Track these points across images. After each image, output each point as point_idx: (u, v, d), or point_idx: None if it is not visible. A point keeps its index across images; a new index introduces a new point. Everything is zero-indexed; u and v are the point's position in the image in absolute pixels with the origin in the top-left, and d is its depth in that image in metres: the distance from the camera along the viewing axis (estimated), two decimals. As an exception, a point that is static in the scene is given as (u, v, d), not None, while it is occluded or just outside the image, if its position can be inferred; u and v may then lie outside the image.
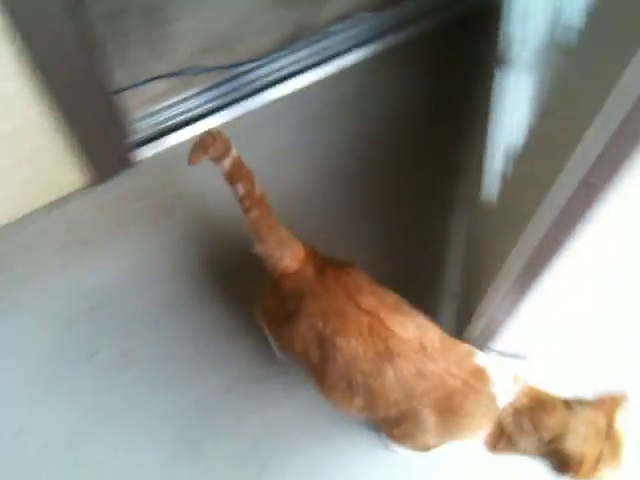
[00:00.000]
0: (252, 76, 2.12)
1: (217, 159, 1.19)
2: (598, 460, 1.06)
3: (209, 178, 1.29)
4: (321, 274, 1.26)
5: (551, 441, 1.10)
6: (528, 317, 1.15)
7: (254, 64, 2.12)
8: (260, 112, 2.07)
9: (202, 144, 1.16)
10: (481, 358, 1.18)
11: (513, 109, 1.45)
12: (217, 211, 1.85)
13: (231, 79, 2.10)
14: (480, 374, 1.15)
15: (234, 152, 1.19)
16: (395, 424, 1.28)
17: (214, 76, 2.09)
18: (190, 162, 1.17)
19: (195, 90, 2.07)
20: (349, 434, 1.55)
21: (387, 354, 1.16)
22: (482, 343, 1.35)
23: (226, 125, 2.03)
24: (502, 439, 1.16)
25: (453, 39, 2.14)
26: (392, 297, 1.25)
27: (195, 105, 2.06)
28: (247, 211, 1.24)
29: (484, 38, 1.75)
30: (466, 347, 1.20)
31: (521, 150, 1.22)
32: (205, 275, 1.77)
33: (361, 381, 1.20)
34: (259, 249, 1.28)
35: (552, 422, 1.10)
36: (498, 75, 1.57)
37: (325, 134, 2.03)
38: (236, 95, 2.08)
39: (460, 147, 1.88)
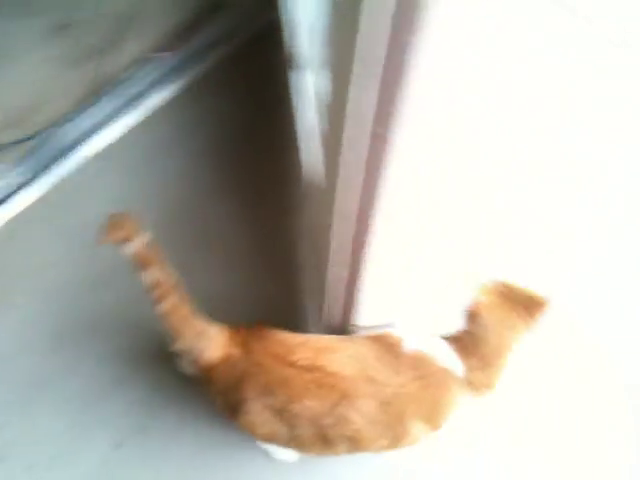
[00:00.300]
0: (61, 139, 2.04)
1: (123, 241, 1.10)
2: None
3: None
4: (247, 350, 1.19)
5: None
6: (371, 284, 1.17)
7: (59, 127, 2.05)
8: (79, 173, 2.00)
9: (110, 226, 1.09)
10: (408, 341, 1.19)
11: (311, 101, 1.53)
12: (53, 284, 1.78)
13: (39, 147, 2.01)
14: (423, 359, 1.17)
15: (143, 235, 1.11)
16: (387, 447, 1.23)
17: (20, 149, 1.99)
18: (97, 242, 1.09)
19: (2, 167, 1.97)
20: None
21: (344, 400, 1.14)
22: (346, 323, 1.38)
23: (44, 197, 1.94)
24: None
25: (254, 57, 2.18)
26: (313, 339, 1.23)
27: (5, 183, 1.95)
28: (157, 302, 1.13)
29: (280, 49, 1.81)
30: (393, 336, 1.21)
31: (326, 132, 1.26)
32: (53, 351, 1.69)
33: (335, 433, 1.16)
34: (177, 346, 1.17)
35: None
36: (294, 77, 1.65)
37: (151, 178, 1.99)
38: (48, 162, 2.00)
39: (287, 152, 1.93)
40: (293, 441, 1.22)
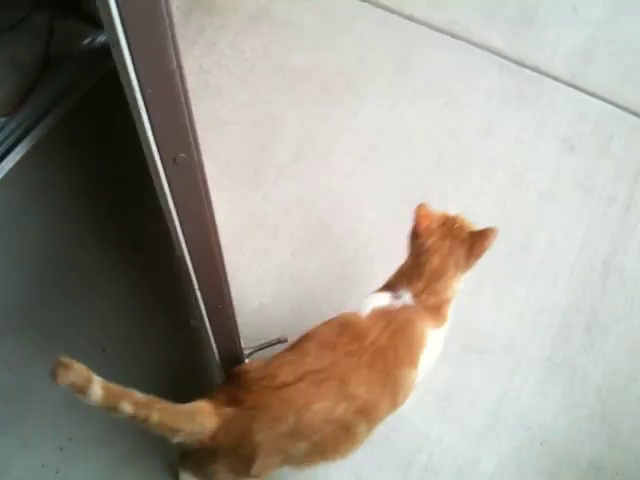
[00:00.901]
0: None
1: (81, 391, 1.01)
2: None
3: None
4: (236, 402, 1.19)
5: None
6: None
7: None
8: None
9: (57, 375, 0.99)
10: (362, 310, 1.28)
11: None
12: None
13: None
14: (379, 313, 1.27)
15: (96, 378, 1.03)
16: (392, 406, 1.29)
17: None
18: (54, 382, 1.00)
19: None
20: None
21: (342, 384, 1.19)
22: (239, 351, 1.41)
23: None
24: None
25: (99, 105, 2.05)
26: (279, 357, 1.27)
27: None
28: (145, 421, 1.08)
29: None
30: (346, 315, 1.29)
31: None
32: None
33: (351, 416, 1.20)
34: (178, 440, 1.14)
35: None
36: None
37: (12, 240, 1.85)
38: None
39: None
40: (316, 451, 1.24)
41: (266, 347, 1.48)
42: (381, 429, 1.34)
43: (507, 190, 1.94)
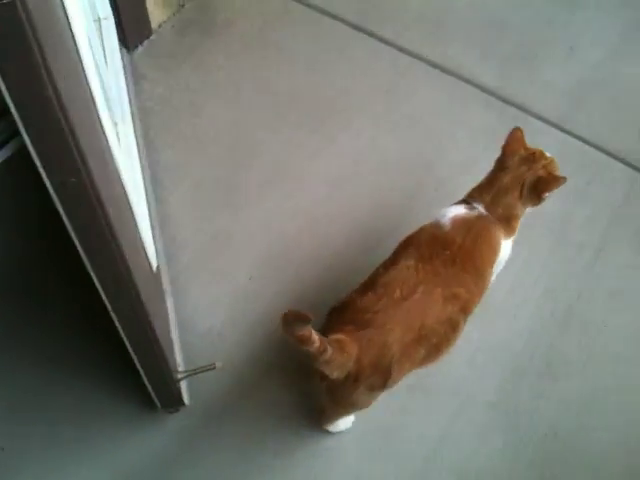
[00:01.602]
0: None
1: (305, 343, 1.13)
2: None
3: None
4: (366, 323, 1.29)
5: None
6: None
7: None
8: None
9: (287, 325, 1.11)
10: (442, 218, 1.46)
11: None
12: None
13: None
14: (459, 220, 1.44)
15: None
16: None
17: None
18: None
19: None
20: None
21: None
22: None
23: None
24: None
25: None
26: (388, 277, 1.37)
27: None
28: (324, 355, 1.17)
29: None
30: (429, 226, 1.48)
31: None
32: None
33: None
34: (336, 374, 1.24)
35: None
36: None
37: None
38: None
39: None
40: (432, 352, 1.37)
41: (199, 372, 1.49)
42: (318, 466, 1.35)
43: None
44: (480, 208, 1.46)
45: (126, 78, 2.07)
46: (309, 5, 2.36)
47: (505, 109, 2.15)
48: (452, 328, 1.38)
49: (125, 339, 1.25)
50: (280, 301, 1.77)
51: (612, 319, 1.77)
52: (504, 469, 1.56)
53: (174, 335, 1.65)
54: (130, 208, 1.31)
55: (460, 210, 1.47)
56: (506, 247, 1.51)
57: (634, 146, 2.08)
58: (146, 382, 1.42)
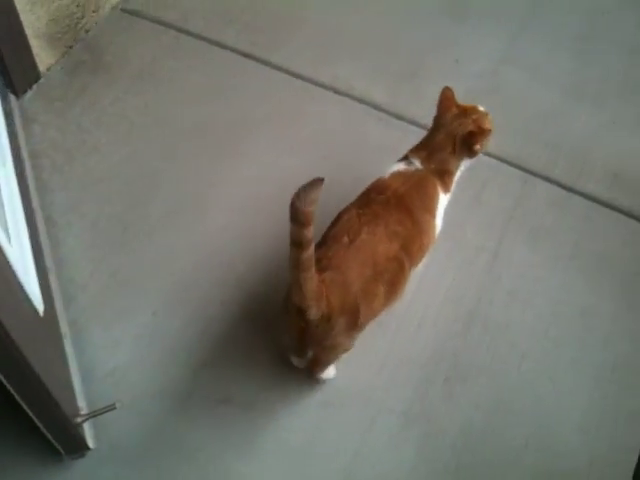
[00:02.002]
0: None
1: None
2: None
3: None
4: (325, 268, 1.37)
5: None
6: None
7: None
8: None
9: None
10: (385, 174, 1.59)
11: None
12: None
13: None
14: (399, 172, 1.58)
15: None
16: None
17: None
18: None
19: None
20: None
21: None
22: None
23: None
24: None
25: None
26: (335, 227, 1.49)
27: None
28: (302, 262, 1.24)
29: None
30: (374, 183, 1.59)
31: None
32: None
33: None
34: (311, 315, 1.32)
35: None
36: None
37: None
38: None
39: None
40: (389, 291, 1.48)
41: (99, 414, 1.45)
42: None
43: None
44: (417, 163, 1.58)
45: (13, 123, 2.03)
46: (199, 37, 2.38)
47: (400, 124, 2.20)
48: (400, 266, 1.49)
49: (10, 388, 1.21)
50: (186, 334, 1.74)
51: (513, 318, 1.81)
52: (420, 477, 1.57)
53: (75, 378, 1.59)
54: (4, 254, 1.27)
55: (399, 166, 1.60)
56: (443, 202, 1.61)
57: (522, 150, 2.17)
58: (43, 429, 1.37)
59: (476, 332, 1.78)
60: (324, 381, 1.65)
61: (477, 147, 1.55)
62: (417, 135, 1.89)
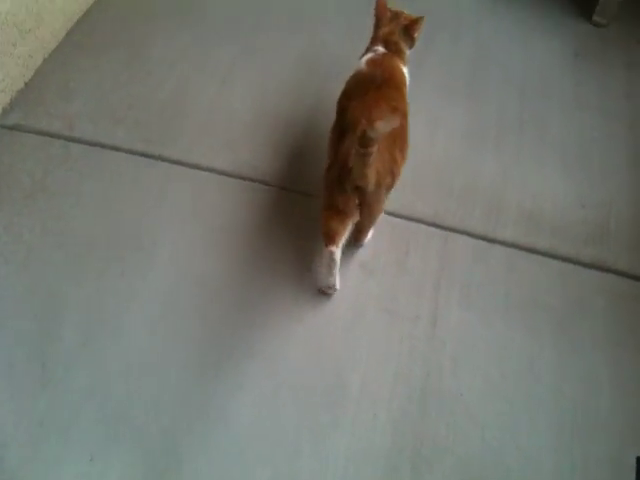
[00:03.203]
0: None
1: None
2: None
3: None
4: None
5: None
6: None
7: None
8: None
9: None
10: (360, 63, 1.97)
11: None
12: None
13: None
14: (371, 59, 1.97)
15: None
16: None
17: None
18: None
19: None
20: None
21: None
22: None
23: None
24: None
25: None
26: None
27: None
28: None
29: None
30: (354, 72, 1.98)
31: None
32: None
33: None
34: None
35: None
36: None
37: None
38: None
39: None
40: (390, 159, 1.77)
41: None
42: None
43: (313, 327, 1.88)
44: (380, 49, 1.99)
45: None
46: (89, 142, 2.26)
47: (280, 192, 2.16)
48: (403, 131, 1.84)
49: None
50: (131, 472, 1.60)
51: (465, 385, 1.78)
52: None
53: None
54: None
55: (369, 55, 1.99)
56: (406, 72, 2.01)
57: (437, 206, 2.17)
58: None
59: (432, 410, 1.73)
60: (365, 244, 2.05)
61: (416, 35, 2.01)
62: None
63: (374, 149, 1.55)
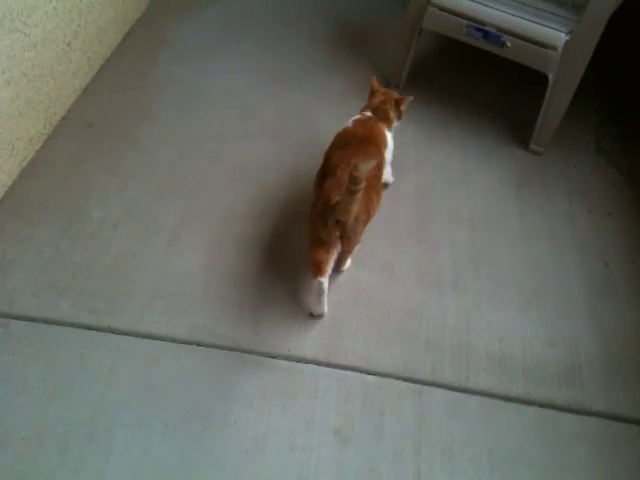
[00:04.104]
0: None
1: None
2: None
3: None
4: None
5: None
6: None
7: None
8: None
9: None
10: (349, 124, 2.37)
11: None
12: None
13: None
14: (358, 120, 2.38)
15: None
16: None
17: None
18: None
19: None
20: None
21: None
22: None
23: None
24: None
25: None
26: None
27: None
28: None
29: None
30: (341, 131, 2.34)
31: None
32: None
33: None
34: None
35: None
36: None
37: None
38: None
39: None
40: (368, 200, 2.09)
41: None
42: None
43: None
44: (368, 113, 2.39)
45: None
46: (31, 318, 2.09)
47: (275, 363, 2.05)
48: (378, 179, 2.22)
49: None
50: None
51: None
52: None
53: None
54: None
55: (357, 117, 2.38)
56: (389, 136, 2.39)
57: (407, 358, 2.09)
58: None
59: None
60: (345, 270, 2.34)
61: (402, 107, 2.41)
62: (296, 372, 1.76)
63: (361, 187, 1.81)
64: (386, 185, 2.61)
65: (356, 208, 1.91)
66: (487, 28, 2.77)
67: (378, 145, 2.26)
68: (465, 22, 2.81)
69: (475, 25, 2.79)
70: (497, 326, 2.23)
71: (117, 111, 2.91)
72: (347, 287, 2.29)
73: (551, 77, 2.73)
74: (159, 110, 2.95)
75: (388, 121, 2.40)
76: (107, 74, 3.10)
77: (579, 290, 2.39)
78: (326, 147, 2.24)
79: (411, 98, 2.41)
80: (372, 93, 2.46)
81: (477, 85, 3.28)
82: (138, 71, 3.16)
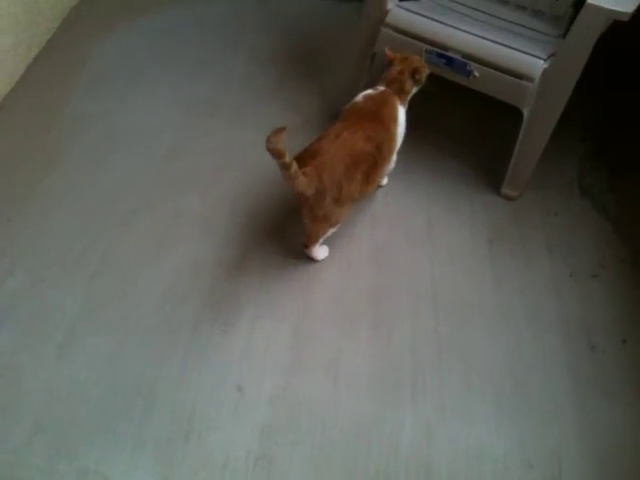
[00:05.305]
0: None
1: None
2: None
3: None
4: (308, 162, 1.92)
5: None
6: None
7: None
8: None
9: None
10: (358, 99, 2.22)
11: None
12: None
13: None
14: (369, 95, 2.22)
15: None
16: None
17: None
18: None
19: None
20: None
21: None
22: None
23: None
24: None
25: None
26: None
27: None
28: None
29: None
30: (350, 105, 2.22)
31: None
32: None
33: None
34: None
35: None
36: None
37: None
38: None
39: None
40: (364, 180, 2.08)
41: None
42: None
43: None
44: (381, 87, 2.20)
45: None
46: None
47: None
48: (374, 161, 2.07)
49: None
50: None
51: None
52: None
53: None
54: None
55: (368, 91, 2.21)
56: (402, 112, 2.20)
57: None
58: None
59: None
60: (316, 260, 2.22)
61: (420, 76, 2.18)
62: None
63: (286, 160, 1.74)
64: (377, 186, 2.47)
65: (302, 183, 1.84)
66: (451, 54, 2.31)
67: (383, 121, 2.12)
68: (425, 47, 2.35)
69: (437, 50, 2.33)
70: (464, 444, 1.81)
71: (10, 165, 2.43)
72: (282, 400, 1.86)
73: (526, 113, 2.29)
74: (65, 161, 2.47)
75: (403, 93, 2.20)
76: (3, 117, 2.62)
77: (564, 384, 1.96)
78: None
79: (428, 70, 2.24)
80: (389, 64, 2.24)
81: (443, 115, 2.82)
82: (44, 110, 2.67)
